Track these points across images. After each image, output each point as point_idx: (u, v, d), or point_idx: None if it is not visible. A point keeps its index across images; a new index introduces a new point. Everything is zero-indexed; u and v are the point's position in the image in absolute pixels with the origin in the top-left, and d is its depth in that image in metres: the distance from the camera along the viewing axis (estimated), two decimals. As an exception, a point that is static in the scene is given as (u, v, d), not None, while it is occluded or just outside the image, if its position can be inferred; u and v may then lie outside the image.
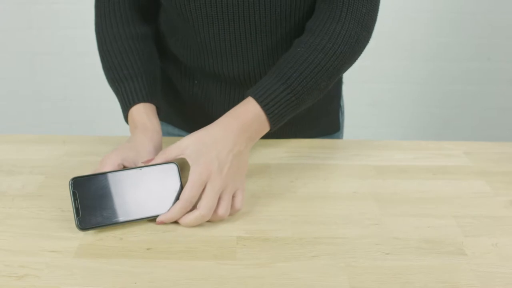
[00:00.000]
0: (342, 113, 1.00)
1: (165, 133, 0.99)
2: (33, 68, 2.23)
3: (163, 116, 0.94)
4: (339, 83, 0.96)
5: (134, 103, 0.76)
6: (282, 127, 0.92)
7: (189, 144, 0.66)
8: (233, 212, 0.68)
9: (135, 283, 0.56)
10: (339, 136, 1.01)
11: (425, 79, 2.27)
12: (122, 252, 0.61)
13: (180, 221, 0.65)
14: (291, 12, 0.75)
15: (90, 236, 0.64)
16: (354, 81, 2.15)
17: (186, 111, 0.95)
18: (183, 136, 0.91)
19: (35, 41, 2.17)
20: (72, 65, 2.22)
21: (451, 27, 2.16)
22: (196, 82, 0.87)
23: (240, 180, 0.68)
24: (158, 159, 0.67)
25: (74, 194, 0.63)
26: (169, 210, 0.65)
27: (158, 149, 0.73)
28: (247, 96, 0.71)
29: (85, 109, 2.32)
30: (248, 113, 0.69)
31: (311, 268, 0.60)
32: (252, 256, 0.61)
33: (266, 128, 0.72)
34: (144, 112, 0.75)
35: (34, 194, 0.72)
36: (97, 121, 2.33)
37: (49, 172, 0.78)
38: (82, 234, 0.64)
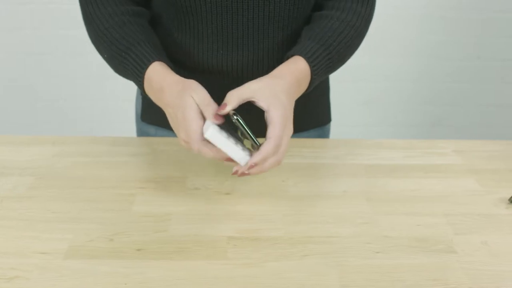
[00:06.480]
0: (330, 105, 1.02)
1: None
2: (28, 68, 2.21)
3: (158, 120, 0.93)
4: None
5: (150, 62, 0.72)
6: None
7: (260, 88, 0.64)
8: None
9: (126, 284, 0.56)
10: (329, 128, 1.02)
11: (416, 77, 2.28)
12: (113, 253, 0.61)
13: (256, 168, 0.62)
14: (305, 4, 0.77)
15: (80, 237, 0.63)
16: (345, 79, 2.15)
17: None
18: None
19: (30, 41, 2.15)
20: (67, 65, 2.21)
21: (442, 25, 2.16)
22: None
23: None
24: (232, 102, 0.63)
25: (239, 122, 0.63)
26: (260, 150, 0.61)
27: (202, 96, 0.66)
28: (291, 56, 0.73)
29: (80, 109, 2.31)
30: (299, 70, 0.71)
31: (302, 267, 0.60)
32: (243, 256, 0.61)
33: (305, 88, 0.73)
34: (163, 70, 0.71)
35: (24, 196, 0.72)
36: (92, 121, 2.32)
37: (39, 174, 0.77)
38: (72, 235, 0.63)
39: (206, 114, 0.63)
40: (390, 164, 0.84)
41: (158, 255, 0.61)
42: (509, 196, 0.75)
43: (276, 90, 0.65)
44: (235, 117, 0.63)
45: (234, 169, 0.63)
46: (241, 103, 0.64)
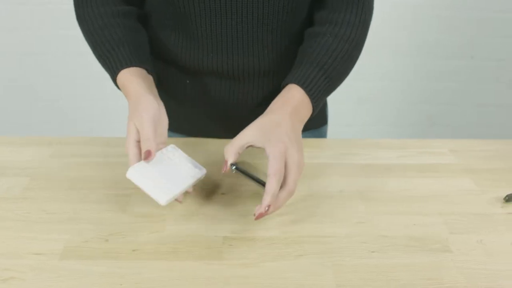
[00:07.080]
0: (327, 107, 1.02)
1: None
2: (28, 68, 2.22)
3: None
4: None
5: (118, 70, 0.74)
6: None
7: (253, 132, 0.66)
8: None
9: (122, 284, 0.56)
10: (326, 129, 1.02)
11: (411, 77, 2.28)
12: (108, 254, 0.61)
13: (271, 208, 0.61)
14: (295, 8, 0.77)
15: (75, 238, 0.63)
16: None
17: (178, 113, 0.94)
18: (177, 137, 0.90)
19: (30, 41, 2.16)
20: (67, 65, 2.21)
21: (436, 25, 2.16)
22: (188, 82, 0.87)
23: (302, 158, 0.67)
24: (230, 157, 0.65)
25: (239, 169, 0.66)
26: (266, 192, 0.61)
27: (154, 108, 0.69)
28: (286, 84, 0.73)
29: (80, 109, 2.31)
30: (295, 99, 0.71)
31: (298, 267, 0.60)
32: (239, 256, 0.61)
33: (310, 112, 0.73)
34: (129, 78, 0.73)
35: (19, 197, 0.72)
36: (92, 121, 2.32)
37: (35, 174, 0.77)
38: (67, 236, 0.64)
39: (142, 148, 0.65)
40: (386, 163, 0.84)
41: (153, 256, 0.61)
42: (504, 195, 0.75)
43: (270, 127, 0.66)
44: (233, 167, 0.65)
45: (256, 215, 0.62)
46: (240, 152, 0.66)
